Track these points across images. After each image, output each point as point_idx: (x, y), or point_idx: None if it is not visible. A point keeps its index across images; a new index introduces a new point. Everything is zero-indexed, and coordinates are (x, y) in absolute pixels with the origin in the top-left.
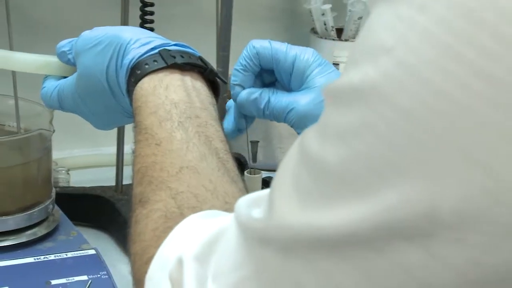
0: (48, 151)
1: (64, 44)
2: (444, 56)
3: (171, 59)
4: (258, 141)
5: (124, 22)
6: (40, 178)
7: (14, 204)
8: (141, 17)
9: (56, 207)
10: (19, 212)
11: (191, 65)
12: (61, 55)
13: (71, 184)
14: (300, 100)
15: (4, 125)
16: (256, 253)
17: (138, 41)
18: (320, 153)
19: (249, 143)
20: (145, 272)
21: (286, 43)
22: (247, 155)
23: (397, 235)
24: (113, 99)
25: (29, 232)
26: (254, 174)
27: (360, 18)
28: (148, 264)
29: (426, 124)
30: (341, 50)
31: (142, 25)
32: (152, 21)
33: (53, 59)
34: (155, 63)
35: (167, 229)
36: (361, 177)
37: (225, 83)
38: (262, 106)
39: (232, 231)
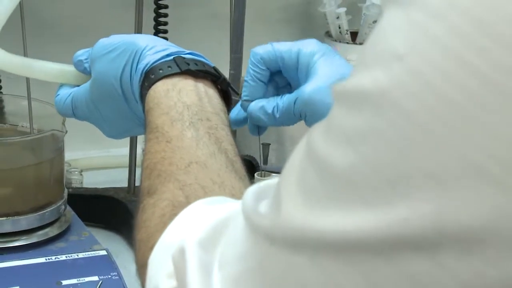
0: (60, 151)
1: (81, 53)
2: (457, 68)
3: (185, 65)
4: (269, 144)
5: (138, 24)
6: (52, 179)
7: (26, 204)
8: (155, 19)
9: (68, 207)
10: (31, 212)
11: (204, 72)
12: (78, 64)
13: (84, 185)
14: (304, 89)
15: (17, 125)
16: (262, 248)
17: (153, 48)
18: (327, 154)
19: (261, 146)
20: (148, 265)
21: (290, 42)
22: (258, 157)
23: (405, 244)
24: (126, 105)
25: (40, 232)
26: (265, 177)
27: (375, 21)
28: (153, 250)
29: (436, 135)
30: (355, 53)
31: (156, 28)
32: (166, 23)
33: (70, 68)
34: (169, 68)
35: (173, 216)
36: (370, 184)
37: (238, 94)
38: (271, 111)
39: (240, 220)
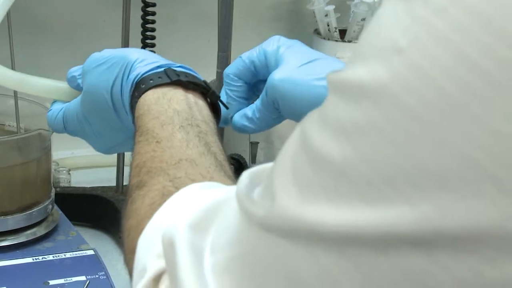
0: (47, 151)
1: (75, 70)
2: (459, 64)
3: (176, 76)
4: (258, 142)
5: (126, 22)
6: (39, 178)
7: (13, 204)
8: (143, 17)
9: (55, 207)
10: (18, 212)
11: (194, 84)
12: (71, 80)
13: (72, 184)
14: (273, 75)
15: (4, 124)
16: (254, 235)
17: (144, 60)
18: (322, 145)
19: (250, 144)
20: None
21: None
22: (247, 156)
23: (401, 241)
24: (116, 117)
25: (28, 232)
26: None
27: (363, 19)
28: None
29: (436, 132)
30: (344, 51)
31: (143, 26)
32: (153, 22)
33: (63, 84)
34: (160, 79)
35: (163, 203)
36: (366, 179)
37: (227, 108)
38: (251, 114)
39: (233, 205)
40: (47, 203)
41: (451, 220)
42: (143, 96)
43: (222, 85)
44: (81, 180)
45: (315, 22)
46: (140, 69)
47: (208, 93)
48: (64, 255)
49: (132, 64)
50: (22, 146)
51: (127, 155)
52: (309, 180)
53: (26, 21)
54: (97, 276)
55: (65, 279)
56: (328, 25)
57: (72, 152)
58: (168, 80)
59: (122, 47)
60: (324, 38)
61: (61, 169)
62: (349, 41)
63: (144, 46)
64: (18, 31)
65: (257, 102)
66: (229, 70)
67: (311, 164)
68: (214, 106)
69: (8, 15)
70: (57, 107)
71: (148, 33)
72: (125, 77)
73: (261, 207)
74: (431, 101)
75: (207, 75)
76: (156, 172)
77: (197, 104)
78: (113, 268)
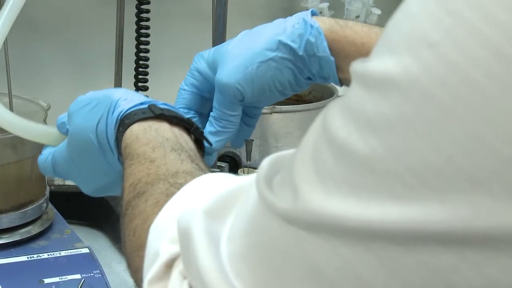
0: (42, 149)
1: (64, 116)
2: (494, 60)
3: (159, 111)
4: (253, 140)
5: (120, 20)
6: (34, 176)
7: (7, 202)
8: (137, 15)
9: (50, 205)
10: (12, 210)
11: (178, 119)
12: (60, 126)
13: (66, 183)
14: (217, 77)
15: None
16: (274, 224)
17: (128, 98)
18: (347, 138)
19: (244, 142)
20: (147, 236)
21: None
22: (241, 154)
23: (430, 238)
24: (102, 157)
25: (22, 230)
26: (248, 173)
27: (357, 16)
28: (154, 220)
29: (469, 128)
30: None
31: (138, 24)
32: (148, 19)
33: (53, 130)
34: (144, 114)
35: (174, 195)
36: (395, 175)
37: (211, 144)
38: (217, 127)
39: (252, 194)
40: (41, 201)
41: (484, 219)
42: (129, 128)
43: None
44: None
45: None
46: (124, 106)
47: (191, 129)
48: (59, 253)
49: (116, 102)
50: (16, 144)
51: None
52: (332, 172)
53: (20, 21)
54: (92, 274)
55: (60, 277)
56: None
57: None
58: (152, 115)
59: (116, 45)
60: None
61: None
62: None
63: (139, 44)
64: (12, 31)
65: (212, 113)
66: (179, 104)
67: (334, 156)
68: (198, 142)
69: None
70: (47, 151)
71: (142, 31)
72: (110, 114)
73: (281, 197)
74: (464, 96)
75: None
76: (155, 181)
77: (182, 136)
78: (107, 266)
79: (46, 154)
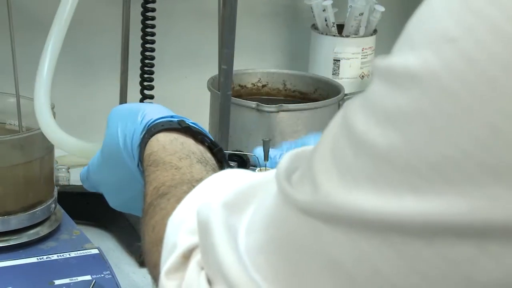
0: (50, 150)
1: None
2: None
3: (186, 125)
4: (270, 140)
5: (126, 19)
6: (42, 177)
7: (16, 203)
8: (143, 14)
9: (58, 206)
10: (21, 212)
11: (203, 136)
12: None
13: (71, 183)
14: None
15: (5, 123)
16: (293, 218)
17: (158, 111)
18: (365, 131)
19: (262, 142)
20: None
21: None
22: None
23: (449, 231)
24: (126, 163)
25: (31, 231)
26: None
27: (361, 14)
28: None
29: (488, 124)
30: (341, 46)
31: (143, 22)
32: (153, 18)
33: (96, 147)
34: (171, 125)
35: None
36: (413, 168)
37: (231, 166)
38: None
39: (272, 188)
40: (50, 202)
41: (504, 211)
42: (156, 137)
43: (227, 82)
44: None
45: (312, 17)
46: (153, 115)
47: (215, 149)
48: (69, 254)
49: (147, 112)
50: (25, 144)
51: None
52: (351, 166)
53: (25, 19)
54: (102, 275)
55: (71, 278)
56: (326, 20)
57: None
58: (178, 127)
59: (122, 44)
60: (322, 33)
61: (60, 167)
62: (347, 36)
63: (144, 42)
64: (17, 28)
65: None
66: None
67: (354, 150)
68: (219, 163)
69: (8, 12)
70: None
71: (148, 30)
72: (139, 122)
73: (301, 191)
74: (483, 92)
75: (208, 70)
76: (179, 184)
77: (206, 153)
78: (115, 267)
79: (85, 167)
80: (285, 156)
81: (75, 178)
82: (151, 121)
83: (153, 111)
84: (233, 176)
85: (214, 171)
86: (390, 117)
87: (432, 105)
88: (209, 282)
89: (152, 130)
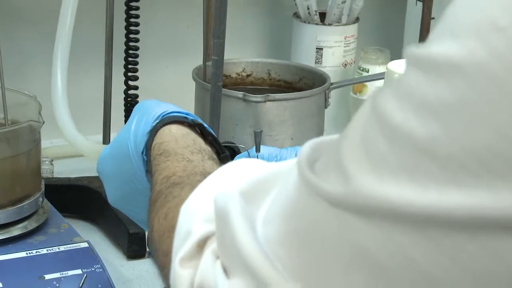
0: (37, 143)
1: None
2: None
3: (199, 123)
4: (261, 131)
5: (109, 7)
6: (29, 171)
7: (4, 197)
8: (126, 3)
9: (45, 199)
10: (9, 206)
11: (214, 138)
12: None
13: (56, 175)
14: None
15: None
16: (318, 208)
17: (176, 107)
18: (403, 123)
19: (253, 133)
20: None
21: None
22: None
23: (495, 224)
24: (130, 160)
25: (19, 225)
26: None
27: (343, 2)
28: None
29: None
30: (324, 34)
31: (127, 12)
32: (137, 8)
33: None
34: (184, 118)
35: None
36: (460, 162)
37: None
38: None
39: (292, 179)
40: (38, 195)
41: None
42: (168, 127)
43: (219, 72)
44: (63, 170)
45: (294, 5)
46: (168, 108)
47: (222, 155)
48: (58, 248)
49: (164, 105)
50: (11, 138)
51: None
52: (386, 157)
53: (7, 11)
54: (93, 269)
55: (61, 273)
56: (308, 8)
57: (51, 142)
58: (191, 123)
59: (106, 34)
60: (304, 22)
61: (43, 159)
62: (330, 24)
63: (128, 33)
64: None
65: None
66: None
67: (388, 141)
68: None
69: None
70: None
71: (132, 20)
72: (153, 112)
73: (328, 181)
74: None
75: (191, 60)
76: (192, 175)
77: (214, 155)
78: (103, 260)
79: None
80: (305, 145)
81: (59, 170)
82: (166, 112)
83: (171, 106)
84: (249, 165)
85: None
86: (430, 107)
87: (478, 96)
88: (225, 271)
89: (165, 120)
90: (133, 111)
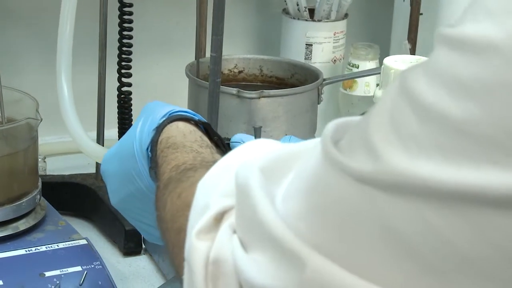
0: (34, 140)
1: None
2: None
3: (206, 123)
4: (261, 127)
5: (103, 5)
6: (27, 168)
7: (2, 195)
8: (120, 0)
9: (42, 197)
10: (7, 204)
11: (220, 139)
12: None
13: (48, 173)
14: None
15: None
16: (344, 185)
17: (184, 108)
18: (437, 102)
19: (253, 129)
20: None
21: None
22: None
23: None
24: (135, 159)
25: (17, 223)
26: None
27: None
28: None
29: None
30: (313, 30)
31: (120, 10)
32: (131, 5)
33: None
34: (192, 116)
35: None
36: (497, 141)
37: None
38: None
39: (314, 157)
40: (35, 193)
41: None
42: (175, 123)
43: (217, 69)
44: (56, 167)
45: (283, 1)
46: (174, 108)
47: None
48: (57, 245)
49: (171, 105)
50: (8, 136)
51: (108, 141)
52: (417, 135)
53: None
54: (92, 266)
55: (61, 270)
56: (297, 4)
57: (44, 139)
58: (197, 120)
59: (99, 30)
60: (293, 18)
61: None
62: (319, 21)
63: (122, 30)
64: None
65: None
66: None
67: (419, 119)
68: None
69: None
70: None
71: (125, 17)
72: (158, 112)
73: (354, 158)
74: None
75: (183, 57)
76: (204, 162)
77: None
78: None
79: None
80: (330, 124)
81: (52, 167)
82: (172, 111)
83: (177, 107)
84: (267, 144)
85: None
86: (466, 87)
87: None
88: (243, 245)
89: (172, 117)
90: (140, 113)
